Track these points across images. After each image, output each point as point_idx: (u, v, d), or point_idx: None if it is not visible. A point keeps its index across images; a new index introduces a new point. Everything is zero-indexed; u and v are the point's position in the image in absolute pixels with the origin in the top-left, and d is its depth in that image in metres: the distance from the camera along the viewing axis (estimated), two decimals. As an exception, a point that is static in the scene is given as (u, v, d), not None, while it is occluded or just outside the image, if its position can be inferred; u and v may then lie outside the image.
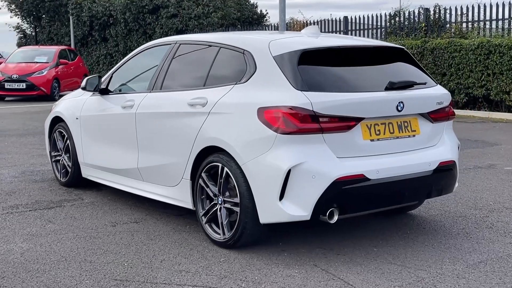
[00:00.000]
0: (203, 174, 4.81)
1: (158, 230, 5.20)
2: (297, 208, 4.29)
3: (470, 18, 15.93)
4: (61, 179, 6.90)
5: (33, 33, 37.24)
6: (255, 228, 4.51)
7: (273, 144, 4.31)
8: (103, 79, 6.26)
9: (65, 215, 5.68)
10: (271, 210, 4.34)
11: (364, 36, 18.71)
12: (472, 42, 14.14)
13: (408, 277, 4.13)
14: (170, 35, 25.94)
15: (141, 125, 5.51)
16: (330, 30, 19.89)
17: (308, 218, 4.30)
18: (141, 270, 4.26)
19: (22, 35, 38.03)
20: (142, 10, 27.18)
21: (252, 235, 4.56)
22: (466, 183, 6.92)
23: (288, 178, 4.26)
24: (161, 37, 25.92)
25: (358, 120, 4.42)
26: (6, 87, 19.00)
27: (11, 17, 38.19)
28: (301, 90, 4.34)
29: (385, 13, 18.07)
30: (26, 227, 5.33)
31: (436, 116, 4.87)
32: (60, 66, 20.49)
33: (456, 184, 5.11)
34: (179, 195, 5.13)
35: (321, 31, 20.12)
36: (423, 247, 4.74)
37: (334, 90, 4.42)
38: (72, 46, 31.06)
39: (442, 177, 4.85)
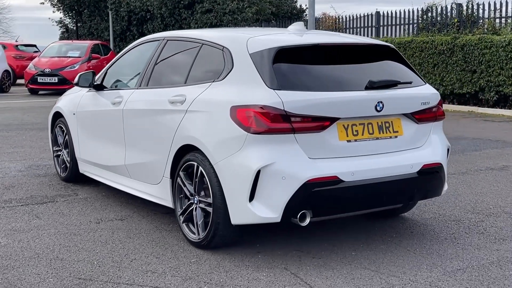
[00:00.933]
0: (181, 173, 4.75)
1: (140, 228, 5.16)
2: (267, 209, 4.18)
3: (503, 14, 15.47)
4: (61, 174, 6.93)
5: (75, 28, 37.82)
6: (227, 229, 4.42)
7: (244, 144, 4.21)
8: (98, 75, 6.25)
9: (54, 211, 5.69)
10: (241, 211, 4.25)
11: (396, 31, 18.40)
12: (503, 38, 13.72)
13: (377, 284, 3.98)
14: (205, 30, 25.97)
15: (128, 121, 5.48)
16: (362, 25, 19.60)
17: (279, 220, 4.19)
18: (108, 269, 4.22)
19: (64, 30, 38.68)
20: (177, 5, 27.32)
21: (224, 236, 4.47)
22: (471, 185, 6.69)
23: (258, 179, 4.15)
24: (195, 32, 26.10)
25: (333, 120, 4.28)
26: (38, 81, 19.32)
27: (53, 11, 38.74)
28: (274, 89, 4.23)
29: (417, 8, 17.72)
30: (12, 222, 5.35)
31: (421, 116, 4.68)
32: (92, 61, 20.72)
33: (445, 187, 4.92)
34: (161, 193, 5.08)
35: (352, 26, 19.92)
36: (404, 252, 4.58)
37: (309, 89, 4.29)
38: (111, 41, 31.46)
39: (426, 180, 4.66)
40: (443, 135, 4.98)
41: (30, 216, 5.53)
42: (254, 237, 4.84)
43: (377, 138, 4.49)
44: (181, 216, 4.79)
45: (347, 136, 4.36)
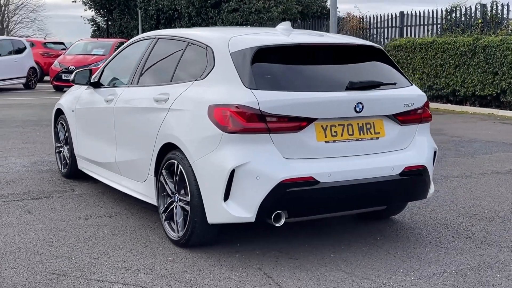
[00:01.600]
0: (163, 171, 4.77)
1: (126, 225, 5.19)
2: (242, 209, 4.17)
3: (528, 15, 15.18)
4: (62, 170, 7.02)
5: (105, 26, 38.26)
6: (204, 228, 4.42)
7: (220, 143, 4.20)
8: (97, 72, 6.31)
9: (47, 206, 5.76)
10: (216, 211, 4.24)
11: (420, 32, 18.19)
12: (525, 40, 13.46)
13: (349, 286, 3.93)
14: (231, 29, 26.04)
15: (118, 119, 5.53)
16: (385, 25, 19.42)
17: (253, 220, 4.18)
18: (83, 266, 4.26)
19: (95, 28, 39.17)
20: (204, 4, 27.42)
21: (202, 235, 4.47)
22: (471, 189, 6.58)
23: (233, 179, 4.14)
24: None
25: (310, 120, 4.24)
26: (63, 78, 19.57)
27: (85, 10, 39.26)
28: (251, 88, 4.21)
29: (441, 9, 17.49)
30: (4, 216, 5.43)
31: (405, 118, 4.62)
32: (117, 59, 20.87)
33: (431, 190, 4.84)
34: (147, 191, 5.11)
35: (376, 26, 19.74)
36: (384, 255, 4.53)
37: (287, 89, 4.26)
38: (140, 39, 31.64)
39: (409, 182, 4.59)
40: (430, 137, 4.90)
41: (22, 211, 5.61)
42: (236, 236, 4.83)
43: (357, 139, 4.44)
44: (163, 214, 4.81)
45: (326, 136, 4.32)
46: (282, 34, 4.89)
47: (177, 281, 4.00)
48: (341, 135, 4.38)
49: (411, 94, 4.69)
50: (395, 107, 4.57)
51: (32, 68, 20.98)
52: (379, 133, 4.52)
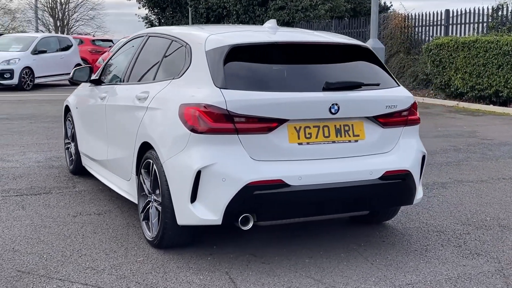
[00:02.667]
0: (142, 170, 4.71)
1: (112, 223, 5.17)
2: (208, 212, 4.07)
3: None
4: (69, 166, 7.08)
5: (158, 24, 38.70)
6: (176, 229, 4.34)
7: (188, 143, 4.11)
8: (99, 69, 6.33)
9: (41, 203, 5.79)
10: (184, 212, 4.16)
11: (465, 30, 17.64)
12: None
13: (311, 294, 3.80)
14: (277, 27, 25.92)
15: (108, 116, 5.52)
16: (430, 23, 18.92)
17: (220, 223, 4.07)
18: (51, 264, 4.24)
19: (149, 26, 39.67)
20: (252, 2, 27.38)
21: (173, 237, 4.40)
22: (481, 195, 6.29)
23: (199, 180, 4.05)
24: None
25: (281, 121, 4.10)
26: (106, 74, 19.85)
27: (139, 8, 39.83)
28: (221, 88, 4.10)
29: (487, 7, 16.92)
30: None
31: (387, 120, 4.42)
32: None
33: (418, 196, 4.63)
34: (131, 189, 5.08)
35: (420, 24, 19.26)
36: (361, 262, 4.35)
37: (259, 89, 4.13)
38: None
39: (389, 187, 4.39)
40: (418, 141, 4.68)
41: (16, 206, 5.66)
42: (216, 238, 4.74)
43: (334, 142, 4.27)
44: (142, 214, 4.76)
45: (299, 138, 4.18)
46: (267, 32, 4.75)
47: (137, 283, 3.93)
48: (316, 137, 4.22)
49: (395, 96, 4.48)
50: (376, 108, 4.38)
51: (78, 64, 21.38)
52: (358, 135, 4.34)
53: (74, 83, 7.69)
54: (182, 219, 4.20)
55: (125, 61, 5.77)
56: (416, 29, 19.74)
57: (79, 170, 6.85)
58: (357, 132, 4.34)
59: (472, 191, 6.47)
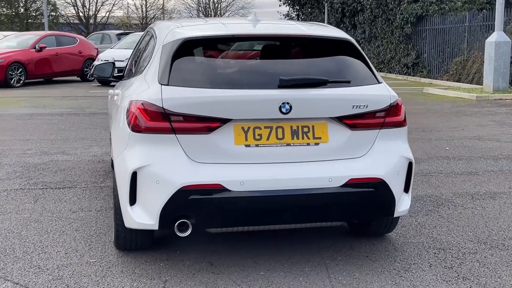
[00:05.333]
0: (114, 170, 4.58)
1: (99, 222, 5.07)
2: (145, 215, 3.82)
3: None
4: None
5: (297, 20, 38.80)
6: (127, 232, 4.15)
7: (128, 142, 3.90)
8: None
9: (56, 197, 5.86)
10: (126, 215, 3.95)
11: None
12: None
13: (231, 313, 3.44)
14: (409, 21, 24.85)
15: (111, 113, 5.46)
16: None
17: (156, 228, 3.81)
18: (5, 260, 4.21)
19: (290, 22, 39.83)
20: (384, -4, 26.42)
21: (128, 239, 4.20)
22: (503, 209, 5.47)
23: (136, 182, 3.82)
24: (400, 23, 25.00)
25: (223, 121, 3.76)
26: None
27: (279, 5, 40.18)
28: (162, 84, 3.84)
29: None
30: (10, 204, 5.60)
31: (355, 122, 3.90)
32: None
33: (401, 208, 4.05)
34: (117, 188, 4.96)
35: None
36: (320, 279, 3.87)
37: (203, 86, 3.81)
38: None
39: (356, 196, 3.87)
40: (403, 145, 4.09)
41: (31, 199, 5.76)
42: (185, 242, 4.48)
43: (289, 145, 3.84)
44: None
45: (246, 140, 3.80)
46: (245, 24, 4.38)
47: (67, 286, 3.79)
48: (267, 139, 3.82)
49: (365, 94, 3.94)
50: (340, 108, 3.87)
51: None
52: (320, 138, 3.88)
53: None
54: (126, 221, 3.99)
55: (131, 57, 5.69)
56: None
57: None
58: (318, 135, 3.87)
59: (495, 204, 5.64)
